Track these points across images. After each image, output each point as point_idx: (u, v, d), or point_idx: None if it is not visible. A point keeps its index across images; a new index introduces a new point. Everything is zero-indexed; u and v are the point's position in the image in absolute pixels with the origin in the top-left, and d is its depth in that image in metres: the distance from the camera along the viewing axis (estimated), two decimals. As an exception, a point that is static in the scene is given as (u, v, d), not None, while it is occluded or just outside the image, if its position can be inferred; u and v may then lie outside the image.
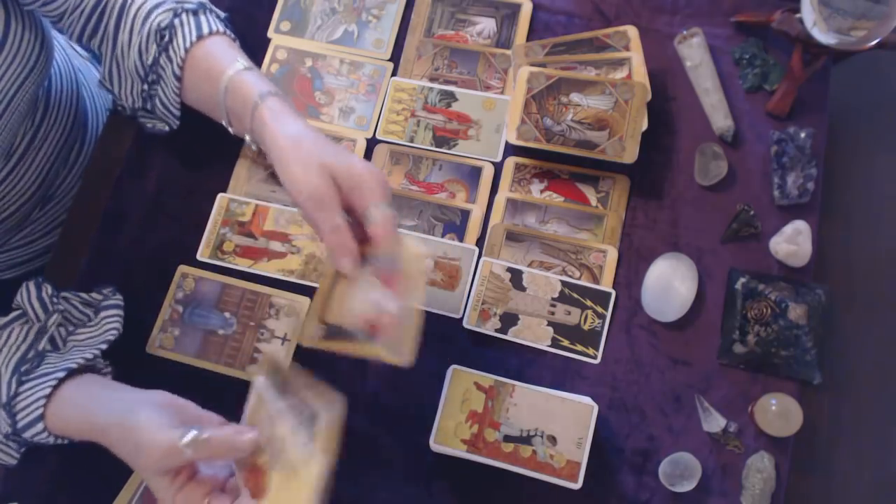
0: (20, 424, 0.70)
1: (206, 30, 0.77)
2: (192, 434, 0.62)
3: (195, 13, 0.78)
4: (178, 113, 0.81)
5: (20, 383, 0.71)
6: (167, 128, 0.83)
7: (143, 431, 0.64)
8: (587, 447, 0.70)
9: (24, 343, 0.74)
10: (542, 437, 0.71)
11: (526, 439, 0.71)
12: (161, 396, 0.67)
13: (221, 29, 0.78)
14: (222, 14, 0.83)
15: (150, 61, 0.78)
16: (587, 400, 0.72)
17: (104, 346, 0.75)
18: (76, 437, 0.70)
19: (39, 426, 0.69)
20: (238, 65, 0.74)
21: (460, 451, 0.71)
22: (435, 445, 0.71)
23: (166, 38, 0.77)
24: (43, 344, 0.74)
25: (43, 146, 0.89)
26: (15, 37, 0.78)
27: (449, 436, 0.71)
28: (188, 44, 0.76)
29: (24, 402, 0.70)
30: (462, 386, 0.73)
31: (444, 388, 0.73)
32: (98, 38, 0.81)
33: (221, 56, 0.76)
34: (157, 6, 0.78)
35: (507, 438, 0.71)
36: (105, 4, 0.79)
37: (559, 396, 0.72)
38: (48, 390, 0.69)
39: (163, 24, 0.77)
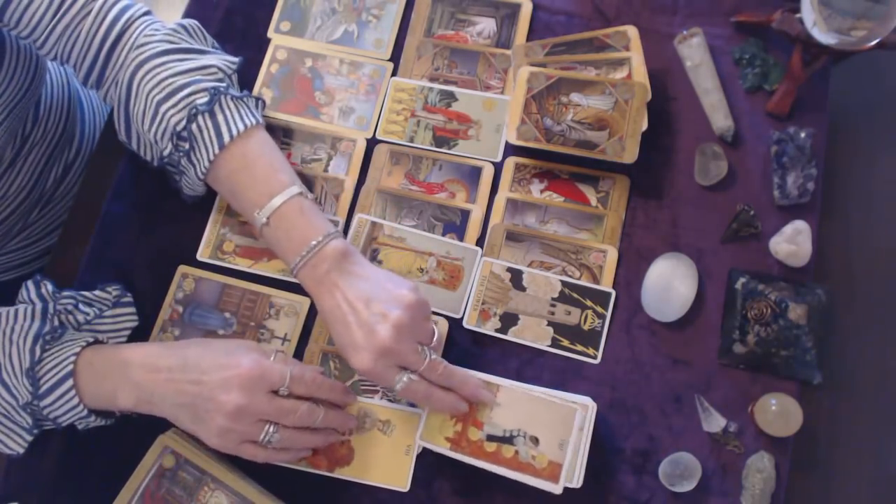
0: (45, 387, 0.70)
1: (226, 138, 0.73)
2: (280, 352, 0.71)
3: (212, 113, 0.73)
4: (205, 190, 0.81)
5: (44, 350, 0.71)
6: (197, 196, 0.83)
7: (232, 342, 0.72)
8: (571, 448, 0.69)
9: (35, 320, 0.73)
10: (524, 437, 0.70)
11: (509, 439, 0.71)
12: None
13: (241, 126, 0.74)
14: (233, 63, 0.79)
15: (166, 153, 0.76)
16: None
17: (123, 339, 0.78)
18: (111, 382, 0.71)
19: (68, 384, 0.70)
20: (261, 216, 0.72)
21: (443, 449, 0.71)
22: (421, 441, 0.72)
23: (186, 146, 0.74)
24: (56, 321, 0.75)
25: (31, 153, 0.88)
26: (10, 66, 0.77)
27: (434, 432, 0.72)
28: (211, 156, 0.73)
29: (50, 363, 0.71)
30: None
31: None
32: (104, 92, 0.79)
33: (243, 190, 0.73)
34: (169, 97, 0.73)
35: (491, 438, 0.71)
36: (105, 66, 0.76)
37: (544, 397, 0.71)
38: (78, 349, 0.71)
39: (178, 128, 0.73)
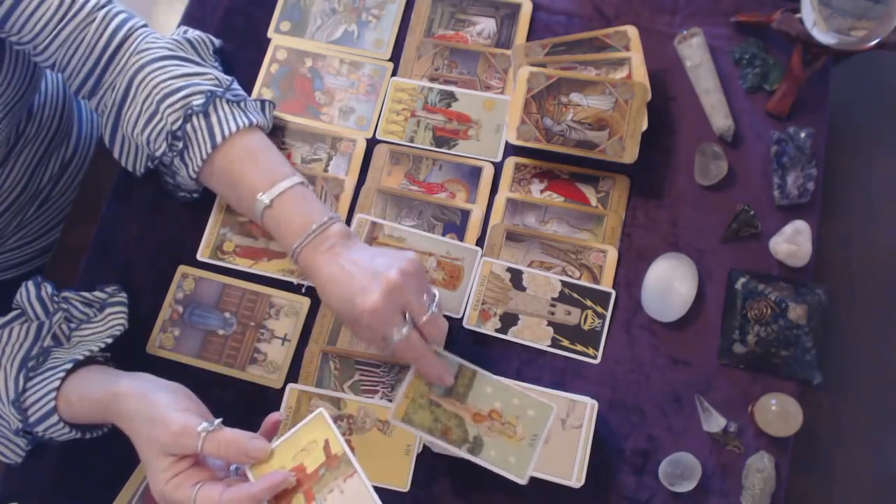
0: (33, 419, 0.70)
1: (219, 137, 0.74)
2: (209, 423, 0.63)
3: (206, 114, 0.74)
4: (199, 189, 0.82)
5: (27, 379, 0.71)
6: (190, 196, 0.83)
7: (162, 407, 0.65)
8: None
9: (26, 340, 0.74)
10: None
11: None
12: (183, 387, 0.69)
13: (233, 127, 0.74)
14: (228, 79, 0.79)
15: (158, 153, 0.77)
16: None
17: (110, 340, 0.76)
18: (89, 416, 0.71)
19: (54, 418, 0.70)
20: (264, 198, 0.72)
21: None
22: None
23: (179, 146, 0.75)
24: (47, 341, 0.75)
25: (25, 149, 0.88)
26: (8, 68, 0.78)
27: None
28: (204, 155, 0.74)
29: (33, 396, 0.71)
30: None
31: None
32: (97, 100, 0.79)
33: (244, 177, 0.74)
34: (167, 97, 0.74)
35: None
36: (103, 72, 0.77)
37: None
38: (57, 383, 0.70)
39: (174, 128, 0.75)
